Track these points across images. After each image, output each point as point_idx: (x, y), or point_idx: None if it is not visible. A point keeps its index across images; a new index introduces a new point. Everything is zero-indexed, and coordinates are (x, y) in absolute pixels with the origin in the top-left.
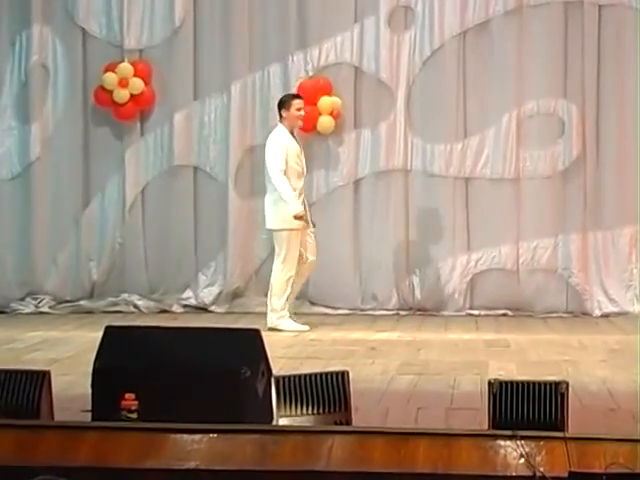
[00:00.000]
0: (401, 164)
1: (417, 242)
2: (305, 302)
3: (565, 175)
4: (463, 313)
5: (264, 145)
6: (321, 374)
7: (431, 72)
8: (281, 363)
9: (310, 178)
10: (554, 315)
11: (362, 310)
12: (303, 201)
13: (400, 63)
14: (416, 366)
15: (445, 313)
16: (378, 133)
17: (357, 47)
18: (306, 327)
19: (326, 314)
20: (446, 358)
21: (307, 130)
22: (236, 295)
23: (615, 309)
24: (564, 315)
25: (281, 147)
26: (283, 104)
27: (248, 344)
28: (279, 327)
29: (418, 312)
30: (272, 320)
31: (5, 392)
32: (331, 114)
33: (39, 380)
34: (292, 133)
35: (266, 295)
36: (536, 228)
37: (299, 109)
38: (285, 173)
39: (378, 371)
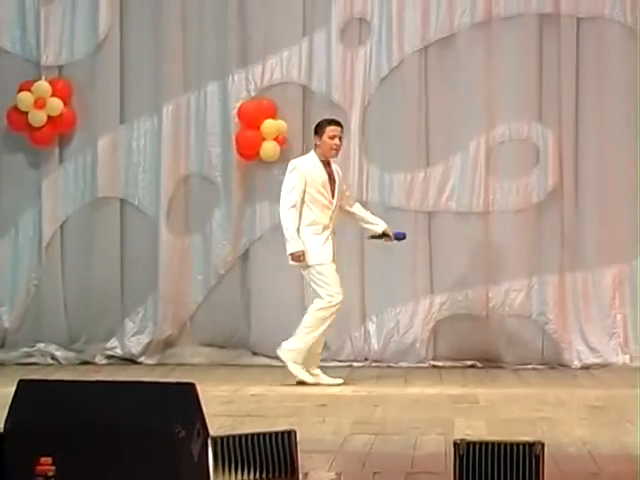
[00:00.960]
0: (355, 196)
1: (373, 284)
2: (246, 352)
3: (540, 208)
4: (425, 364)
5: (200, 174)
6: (264, 434)
7: (389, 92)
8: (219, 421)
9: (252, 211)
10: (528, 367)
11: None
12: (329, 237)
13: (354, 82)
14: (372, 425)
15: (405, 364)
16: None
17: (305, 64)
18: (312, 379)
19: (270, 365)
20: (406, 415)
21: (249, 157)
22: (168, 344)
23: (597, 360)
24: (539, 367)
25: (298, 175)
26: (317, 130)
27: (182, 400)
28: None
29: (374, 363)
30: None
31: None
32: (276, 139)
33: None
34: (325, 162)
35: (201, 344)
36: (508, 268)
37: (333, 137)
38: (303, 205)
39: (329, 430)
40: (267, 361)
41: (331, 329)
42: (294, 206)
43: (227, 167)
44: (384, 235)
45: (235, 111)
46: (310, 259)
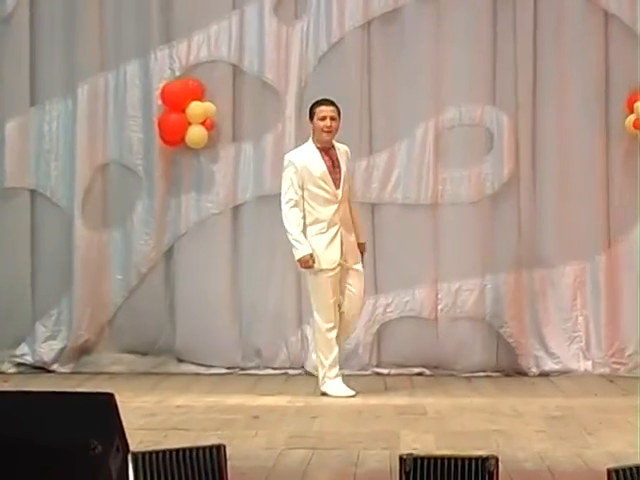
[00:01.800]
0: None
1: None
2: (171, 359)
3: (494, 200)
4: (369, 372)
5: (119, 162)
6: (190, 449)
7: (328, 72)
8: (140, 436)
9: (177, 203)
10: (481, 374)
11: (242, 369)
12: (336, 234)
13: (290, 61)
14: (310, 438)
15: (346, 372)
16: (262, 148)
17: (236, 41)
18: (351, 392)
19: (197, 374)
20: (347, 428)
21: (173, 143)
22: (84, 351)
23: (556, 366)
24: (493, 374)
25: (292, 171)
26: (309, 114)
27: (99, 413)
28: (327, 392)
29: (312, 371)
30: (320, 380)
31: None
32: (203, 124)
33: None
34: (325, 149)
35: (121, 350)
36: (459, 266)
37: (323, 118)
38: (302, 201)
39: (263, 445)
40: (194, 369)
41: (264, 334)
42: (294, 205)
43: (149, 154)
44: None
45: (158, 92)
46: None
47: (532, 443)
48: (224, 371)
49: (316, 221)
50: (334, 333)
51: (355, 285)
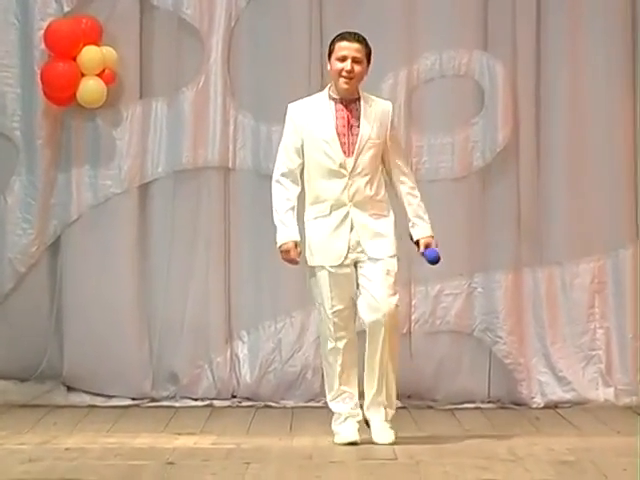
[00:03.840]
0: (218, 158)
1: (244, 287)
2: (57, 386)
3: (486, 176)
4: (320, 403)
5: None
6: None
7: (266, 7)
8: None
9: (67, 180)
10: (468, 406)
11: (153, 400)
12: (345, 220)
13: None
14: None
15: (290, 404)
16: (179, 107)
17: None
18: (354, 437)
19: (93, 406)
20: (291, 478)
21: (62, 101)
22: None
23: (567, 395)
24: (485, 406)
25: (290, 128)
26: (328, 51)
27: None
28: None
29: (246, 402)
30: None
31: None
32: (100, 75)
33: None
34: (344, 101)
35: None
36: (440, 263)
37: (343, 59)
38: (298, 170)
39: None
40: (88, 400)
41: (181, 353)
42: (286, 175)
43: (29, 116)
44: (417, 244)
45: (41, 34)
46: (307, 257)
47: None
48: (128, 402)
49: (317, 200)
50: (339, 357)
51: (372, 276)
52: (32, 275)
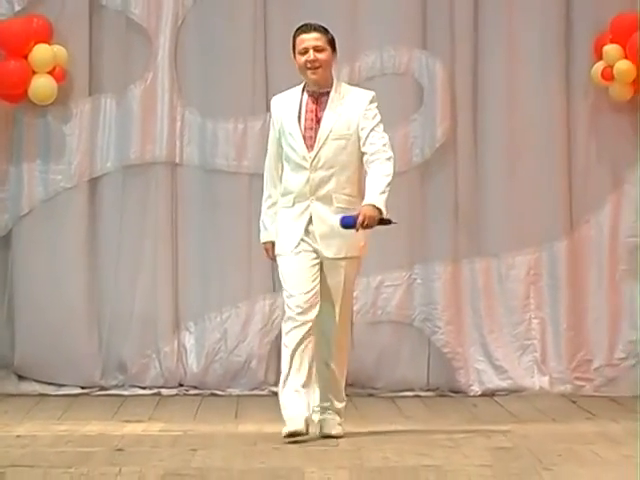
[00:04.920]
0: (165, 153)
1: (191, 279)
2: (8, 375)
3: (425, 171)
4: (264, 392)
5: None
6: None
7: (212, 7)
8: None
9: (18, 174)
10: (408, 394)
11: (102, 388)
12: (305, 212)
13: None
14: (190, 477)
15: (236, 392)
16: (128, 103)
17: None
18: (299, 426)
19: (43, 395)
20: (237, 464)
21: (13, 98)
22: None
23: (504, 383)
24: (424, 394)
25: (270, 121)
26: (292, 47)
27: None
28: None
29: (192, 390)
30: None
31: None
32: (51, 73)
33: None
34: (315, 94)
35: None
36: (380, 255)
37: (304, 51)
38: (279, 163)
39: None
40: (39, 388)
41: (129, 343)
42: (270, 166)
43: None
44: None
45: None
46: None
47: None
48: (78, 391)
49: (285, 191)
50: (295, 341)
51: (328, 280)
52: None
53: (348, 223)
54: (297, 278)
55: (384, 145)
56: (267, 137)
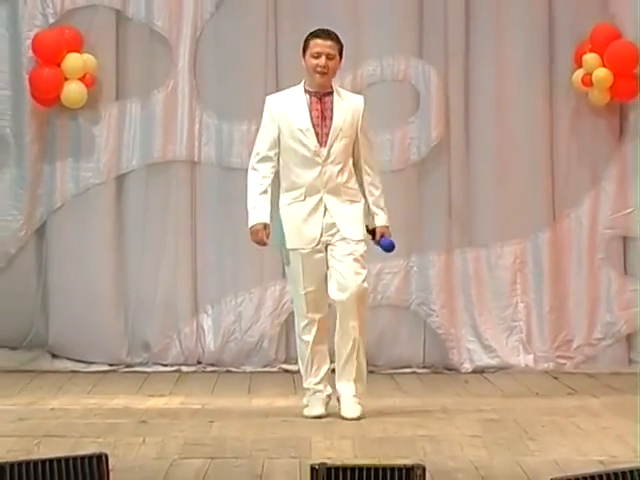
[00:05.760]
0: (185, 153)
1: (208, 267)
2: (43, 354)
3: (421, 168)
4: (275, 369)
5: None
6: (67, 459)
7: (228, 19)
8: (9, 444)
9: (51, 172)
10: (406, 371)
11: (128, 366)
12: (319, 205)
13: (182, 6)
14: (207, 446)
15: (249, 369)
16: (151, 107)
17: None
18: (320, 410)
19: (75, 371)
20: (250, 434)
21: (47, 102)
22: None
23: (493, 362)
24: (420, 371)
25: (267, 118)
26: (302, 47)
27: None
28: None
29: (210, 368)
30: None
31: None
32: (82, 80)
33: None
34: (318, 95)
35: None
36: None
37: (317, 55)
38: (275, 159)
39: (151, 454)
40: (71, 366)
41: (152, 324)
42: (262, 161)
43: (18, 115)
44: (372, 233)
45: (28, 43)
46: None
47: (465, 450)
48: (106, 368)
49: (292, 186)
50: (311, 334)
51: (342, 257)
52: (21, 256)
53: (391, 246)
54: (315, 275)
55: (378, 171)
56: None
